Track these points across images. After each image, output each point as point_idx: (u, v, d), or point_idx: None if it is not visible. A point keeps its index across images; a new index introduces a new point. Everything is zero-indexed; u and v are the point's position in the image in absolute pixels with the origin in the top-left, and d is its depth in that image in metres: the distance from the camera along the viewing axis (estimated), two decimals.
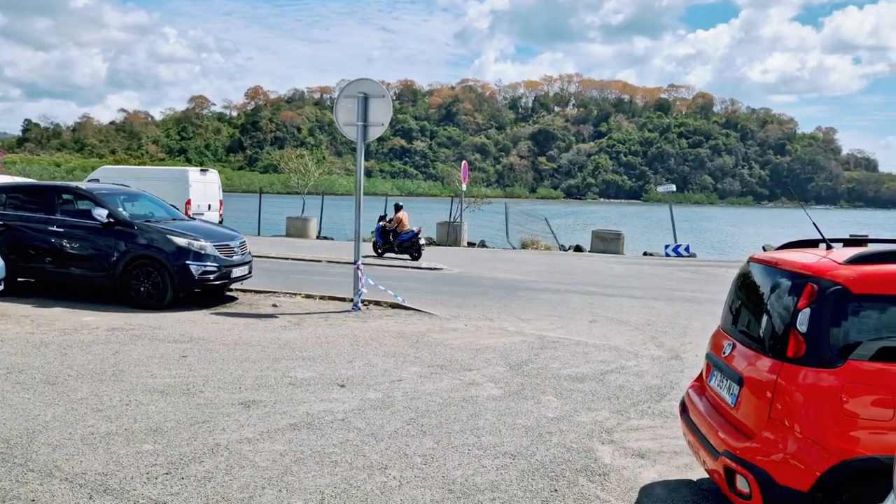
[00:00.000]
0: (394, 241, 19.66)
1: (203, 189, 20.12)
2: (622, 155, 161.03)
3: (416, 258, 19.19)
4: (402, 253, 19.63)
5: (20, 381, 6.48)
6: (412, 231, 19.62)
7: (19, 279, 10.95)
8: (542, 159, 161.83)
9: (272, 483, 4.54)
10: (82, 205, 10.91)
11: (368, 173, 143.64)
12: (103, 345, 8.03)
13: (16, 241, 10.72)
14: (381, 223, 20.26)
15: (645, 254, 26.03)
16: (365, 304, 11.21)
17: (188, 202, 18.73)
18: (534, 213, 30.81)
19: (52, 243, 10.65)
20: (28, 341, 8.05)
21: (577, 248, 26.51)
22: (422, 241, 19.68)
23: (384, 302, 11.49)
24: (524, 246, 26.78)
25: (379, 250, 20.02)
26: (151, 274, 10.34)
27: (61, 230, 10.65)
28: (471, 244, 26.91)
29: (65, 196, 11.11)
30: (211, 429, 5.47)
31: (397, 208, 20.36)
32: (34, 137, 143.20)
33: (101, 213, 10.45)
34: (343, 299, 11.55)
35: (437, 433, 5.57)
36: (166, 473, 4.62)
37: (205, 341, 8.42)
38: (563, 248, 27.23)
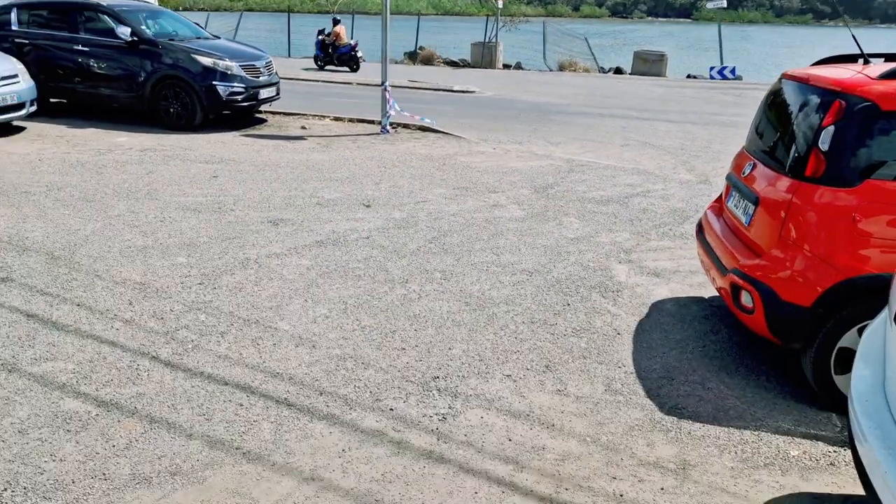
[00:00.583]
0: (333, 53, 21.24)
1: None
2: None
3: (354, 70, 20.76)
4: (340, 66, 21.29)
5: (60, 199, 6.74)
6: (349, 45, 21.14)
7: (51, 99, 11.01)
8: None
9: (298, 293, 4.79)
10: (105, 22, 10.68)
11: None
12: (137, 164, 8.21)
13: (43, 61, 10.66)
14: (319, 37, 21.74)
15: (689, 76, 24.92)
16: (393, 127, 11.14)
17: None
18: (573, 33, 29.29)
19: (79, 63, 10.58)
20: (65, 160, 8.26)
21: (618, 70, 25.49)
22: (359, 54, 21.13)
23: (413, 125, 11.39)
24: (562, 68, 25.81)
25: (319, 63, 21.65)
26: (179, 94, 10.30)
27: (87, 49, 10.52)
28: (506, 66, 25.99)
29: (86, 13, 10.85)
30: (241, 244, 5.70)
31: (335, 22, 21.71)
32: None
33: (124, 31, 10.26)
34: (372, 122, 11.47)
35: (458, 251, 5.73)
36: (199, 284, 4.89)
37: (235, 162, 8.55)
38: (602, 70, 26.18)
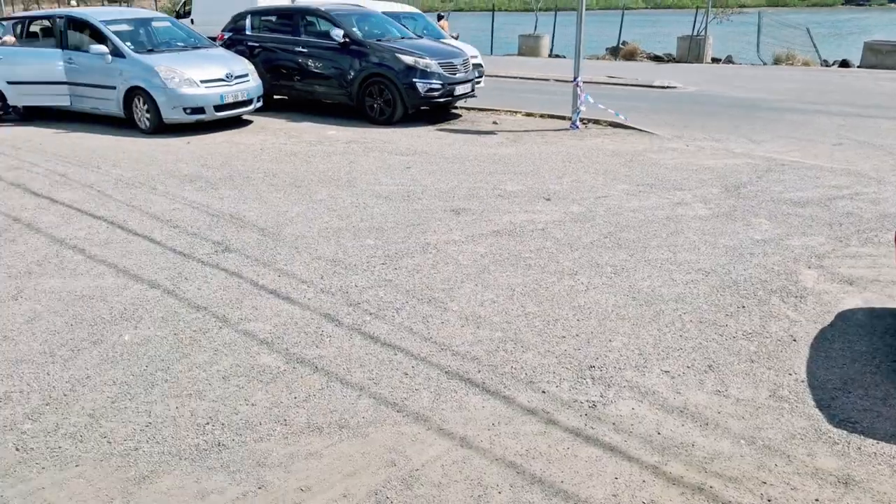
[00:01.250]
0: None
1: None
2: None
3: None
4: None
5: (274, 184, 7.58)
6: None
7: (275, 96, 12.32)
8: None
9: (470, 278, 5.05)
10: (322, 25, 11.76)
11: None
12: (341, 155, 8.98)
13: (270, 62, 11.97)
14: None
15: None
16: (584, 123, 11.11)
17: None
18: (793, 23, 27.06)
19: (298, 63, 11.74)
20: (281, 150, 9.25)
21: (844, 64, 23.15)
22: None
23: (604, 121, 11.28)
24: (777, 61, 23.95)
25: None
26: (383, 91, 11.06)
27: (305, 50, 11.65)
28: (715, 60, 24.64)
29: (308, 17, 12.01)
30: (423, 230, 6.08)
31: (439, 17, 21.07)
32: None
33: (337, 34, 11.20)
34: (563, 118, 11.52)
35: (633, 247, 5.68)
36: (383, 264, 5.32)
37: (427, 154, 9.05)
38: (825, 63, 23.93)
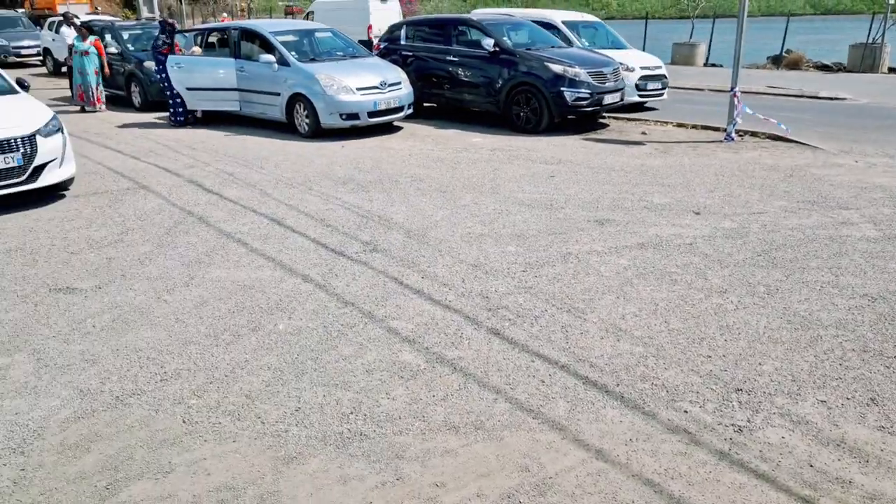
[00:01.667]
0: None
1: (385, 16, 21.68)
2: None
3: None
4: None
5: (420, 189, 7.82)
6: None
7: (425, 104, 12.70)
8: None
9: (611, 290, 4.96)
10: (473, 35, 11.98)
11: None
12: (486, 162, 9.11)
13: (421, 70, 12.35)
14: None
15: None
16: (740, 135, 10.59)
17: (369, 27, 20.57)
18: None
19: (448, 71, 12.03)
20: (428, 156, 9.52)
21: None
22: None
23: (762, 133, 10.69)
24: None
25: None
26: (530, 100, 11.10)
27: (456, 59, 11.92)
28: (892, 70, 22.63)
29: (460, 27, 12.29)
30: (565, 240, 6.05)
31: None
32: None
33: (488, 43, 11.37)
34: (717, 129, 11.04)
35: (790, 267, 5.35)
36: (523, 271, 5.35)
37: (572, 164, 8.98)
38: None
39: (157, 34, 12.53)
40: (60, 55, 19.10)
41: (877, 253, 5.63)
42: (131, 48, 14.49)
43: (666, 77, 13.90)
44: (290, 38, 11.64)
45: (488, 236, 6.16)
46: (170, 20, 12.96)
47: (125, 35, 14.83)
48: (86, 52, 13.11)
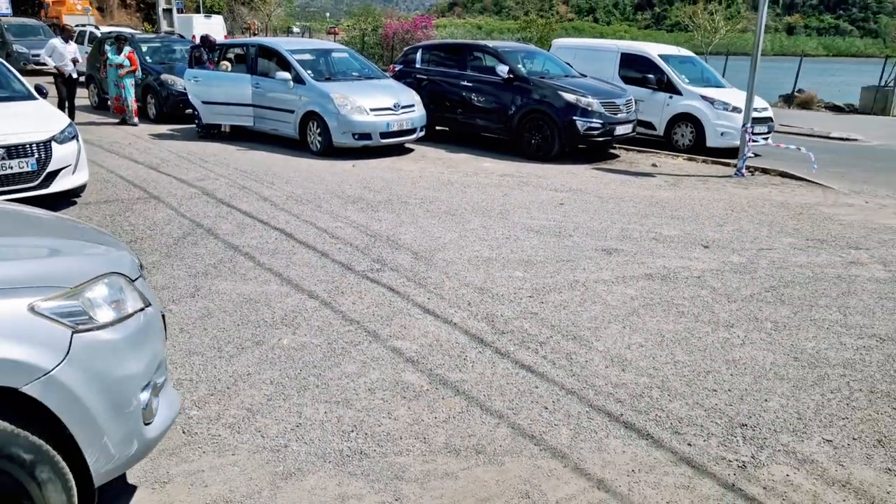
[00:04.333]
0: None
1: (208, 28, 24.45)
2: None
3: None
4: None
5: (429, 210, 7.83)
6: None
7: (437, 127, 12.77)
8: None
9: (618, 320, 4.94)
10: (488, 61, 12.09)
11: (790, 30, 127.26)
12: (495, 187, 9.13)
13: (435, 94, 12.43)
14: None
15: None
16: (750, 171, 10.60)
17: (193, 36, 20.25)
18: None
19: (462, 96, 12.11)
20: (438, 179, 9.55)
21: None
22: None
23: (773, 170, 10.71)
24: None
25: None
26: (542, 128, 11.15)
27: (470, 84, 12.01)
28: None
29: (475, 53, 12.40)
30: (573, 267, 6.03)
31: None
32: (461, 2, 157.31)
33: (503, 70, 11.46)
34: (727, 164, 11.06)
35: (798, 304, 5.32)
36: (530, 296, 5.33)
37: (582, 192, 8.99)
38: None
39: (192, 48, 12.79)
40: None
41: (886, 294, 5.60)
42: (149, 60, 14.65)
43: (772, 120, 12.83)
44: (307, 56, 11.76)
45: (496, 261, 6.15)
46: (211, 37, 13.13)
47: (144, 48, 15.02)
48: (121, 66, 13.23)
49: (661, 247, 6.71)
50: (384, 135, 10.86)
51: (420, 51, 13.22)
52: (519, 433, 3.48)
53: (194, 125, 12.64)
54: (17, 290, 2.22)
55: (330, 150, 10.84)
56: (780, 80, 26.18)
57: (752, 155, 10.43)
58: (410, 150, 11.72)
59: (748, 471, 3.23)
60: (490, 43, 12.54)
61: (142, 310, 2.56)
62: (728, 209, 8.32)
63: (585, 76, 12.42)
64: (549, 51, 14.37)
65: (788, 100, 24.61)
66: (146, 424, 2.53)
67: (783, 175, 10.50)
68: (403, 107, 11.09)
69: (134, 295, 2.56)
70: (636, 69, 13.05)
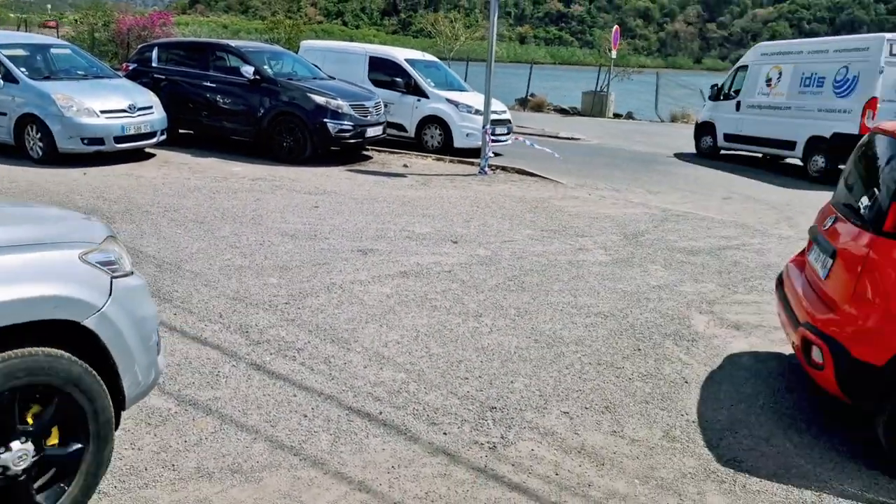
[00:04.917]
0: None
1: None
2: (805, 23, 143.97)
3: None
4: None
5: (174, 219, 7.33)
6: None
7: (180, 130, 12.00)
8: (712, 26, 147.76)
9: (375, 319, 5.00)
10: (232, 61, 11.62)
11: (522, 39, 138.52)
12: (247, 192, 8.80)
13: (175, 95, 11.64)
14: None
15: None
16: (492, 169, 11.37)
17: None
18: (689, 85, 28.83)
19: (206, 98, 11.50)
20: (184, 185, 8.98)
21: None
22: None
23: (511, 167, 11.59)
24: (674, 119, 25.42)
25: None
26: (293, 130, 10.98)
27: (214, 86, 11.45)
28: (617, 115, 25.89)
29: (218, 53, 11.85)
30: (329, 270, 6.00)
31: None
32: (204, 0, 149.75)
33: (248, 70, 11.08)
34: (471, 163, 11.76)
35: (536, 290, 5.80)
36: (286, 303, 5.20)
37: (336, 194, 9.00)
38: None
39: None
40: None
41: (607, 275, 6.31)
42: None
43: (511, 122, 13.49)
44: (20, 52, 10.39)
45: (249, 268, 5.92)
46: None
47: None
48: None
49: (415, 244, 6.93)
50: (119, 139, 9.94)
51: (157, 49, 12.31)
52: (277, 446, 3.37)
53: None
54: (67, 244, 2.63)
55: (55, 157, 9.68)
56: (516, 84, 28.49)
57: (493, 154, 11.19)
58: (152, 156, 10.88)
59: (498, 451, 3.44)
60: (233, 42, 12.07)
61: None
62: (474, 206, 8.84)
63: (334, 78, 12.46)
64: (297, 53, 14.22)
65: (524, 103, 26.85)
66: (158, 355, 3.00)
67: (520, 172, 11.42)
68: (140, 108, 10.25)
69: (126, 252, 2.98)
70: (385, 73, 13.40)
